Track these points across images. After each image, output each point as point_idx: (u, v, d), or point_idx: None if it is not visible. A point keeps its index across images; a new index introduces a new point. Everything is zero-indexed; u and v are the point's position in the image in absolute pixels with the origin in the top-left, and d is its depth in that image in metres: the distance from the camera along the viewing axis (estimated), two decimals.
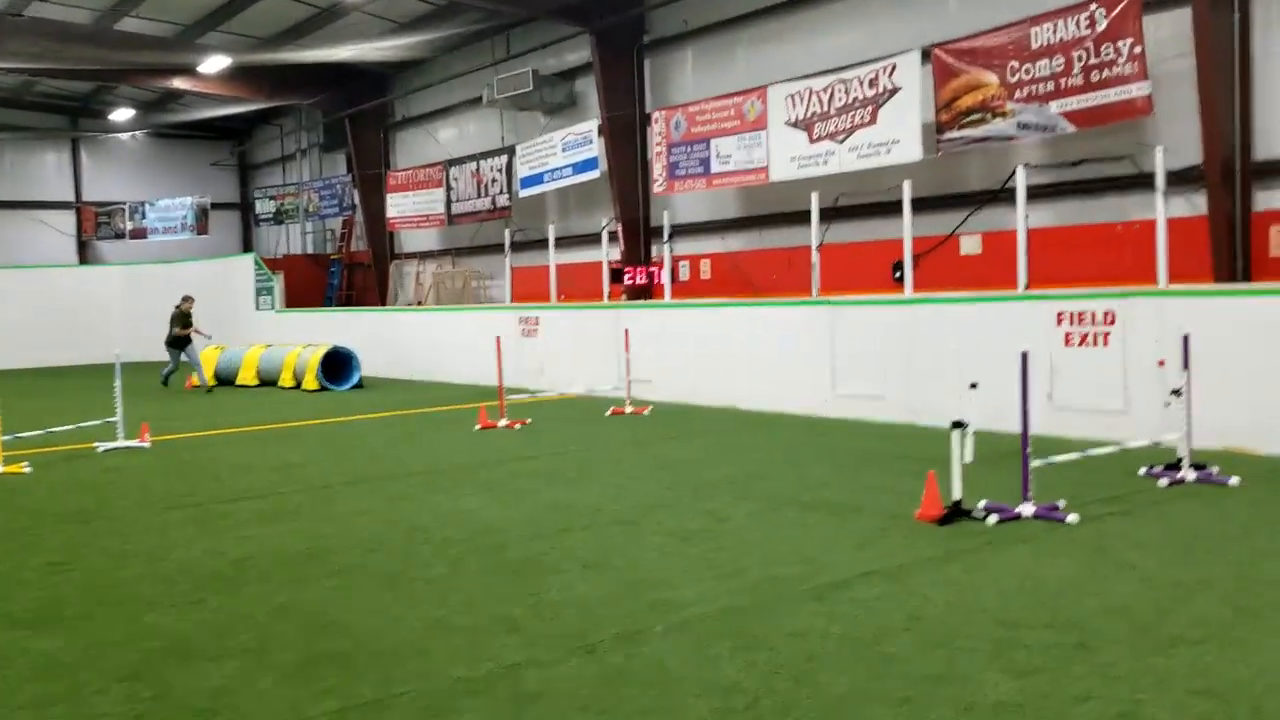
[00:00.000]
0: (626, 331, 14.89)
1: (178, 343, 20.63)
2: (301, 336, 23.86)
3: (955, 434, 7.60)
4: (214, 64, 24.85)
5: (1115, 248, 13.32)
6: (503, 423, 13.59)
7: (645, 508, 8.35)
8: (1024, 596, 5.73)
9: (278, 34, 25.22)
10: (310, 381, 20.03)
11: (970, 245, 15.43)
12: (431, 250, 27.88)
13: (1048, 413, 11.31)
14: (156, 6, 23.63)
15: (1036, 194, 14.56)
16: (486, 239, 24.91)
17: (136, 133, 34.41)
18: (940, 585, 5.99)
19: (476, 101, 24.10)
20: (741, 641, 5.16)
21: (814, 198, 14.56)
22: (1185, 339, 8.65)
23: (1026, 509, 7.55)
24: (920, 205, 15.69)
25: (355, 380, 20.28)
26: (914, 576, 6.18)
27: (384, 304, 28.55)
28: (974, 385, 7.72)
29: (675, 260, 20.24)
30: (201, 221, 32.62)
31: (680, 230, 20.32)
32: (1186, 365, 8.64)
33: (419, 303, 27.40)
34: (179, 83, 26.54)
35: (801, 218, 16.79)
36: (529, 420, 13.94)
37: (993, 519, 7.39)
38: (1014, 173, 12.57)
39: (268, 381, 21.38)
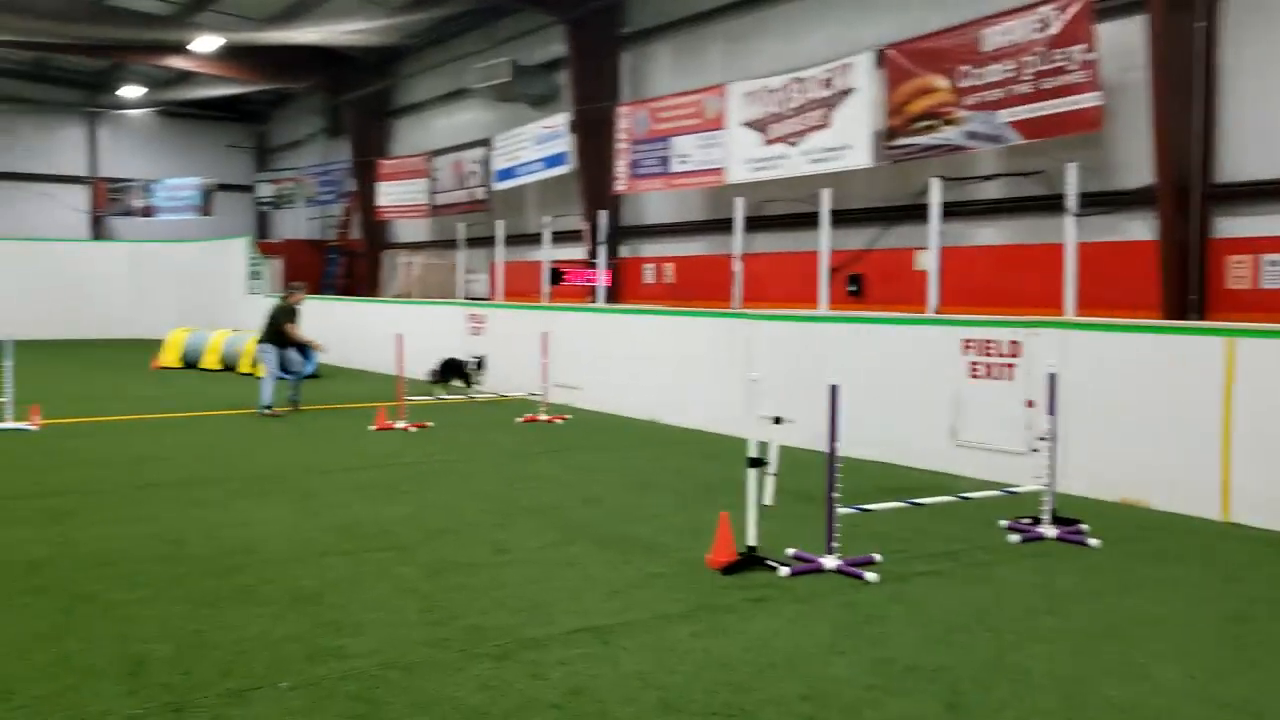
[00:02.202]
0: (545, 335, 14.17)
1: (277, 339, 14.99)
2: None
3: (752, 473, 6.78)
4: (205, 43, 24.59)
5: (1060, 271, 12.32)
6: (400, 424, 12.96)
7: (436, 533, 7.66)
8: (724, 673, 4.93)
9: (272, 16, 24.88)
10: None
11: (924, 260, 14.45)
12: (421, 241, 27.39)
13: (949, 450, 10.43)
14: None
15: (989, 210, 13.70)
16: (472, 232, 24.32)
17: (151, 110, 34.39)
18: (646, 651, 5.21)
19: (465, 92, 23.57)
20: (354, 711, 4.45)
21: (738, 204, 13.72)
22: (1051, 378, 7.73)
23: (829, 562, 6.71)
24: (875, 216, 14.88)
25: (309, 370, 19.78)
26: (630, 637, 5.41)
27: (374, 294, 28.10)
28: (778, 420, 6.88)
29: (641, 262, 19.51)
30: (207, 202, 32.46)
31: (647, 231, 19.58)
32: (1053, 409, 7.72)
33: (407, 294, 26.91)
34: (175, 62, 26.35)
35: (759, 223, 16.01)
36: (430, 423, 13.28)
37: (784, 571, 6.57)
38: (927, 186, 11.60)
39: (229, 367, 21.03)
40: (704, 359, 13.28)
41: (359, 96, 27.55)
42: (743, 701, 4.60)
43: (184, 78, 30.53)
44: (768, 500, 6.80)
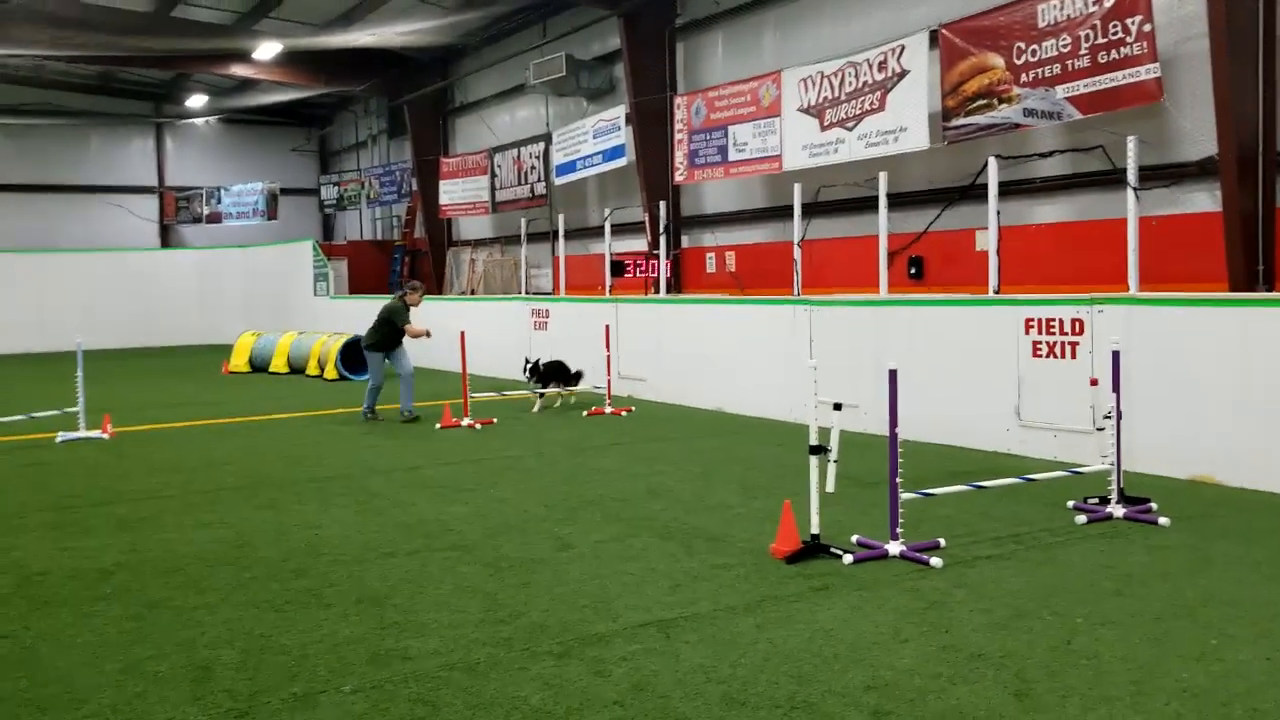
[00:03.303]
0: (607, 328, 14.20)
1: (390, 344, 14.00)
2: (350, 323, 23.75)
3: (813, 460, 6.74)
4: (267, 50, 24.96)
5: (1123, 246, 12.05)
6: (466, 422, 13.09)
7: (500, 529, 7.72)
8: (787, 664, 4.91)
9: (329, 19, 25.20)
10: (330, 371, 19.91)
11: (985, 241, 14.22)
12: (484, 238, 27.61)
13: (1015, 431, 10.28)
14: None
15: (1048, 187, 13.50)
16: (534, 227, 24.46)
17: (214, 119, 35.06)
18: (709, 644, 5.20)
19: (523, 88, 23.69)
20: (415, 714, 4.50)
21: (796, 189, 13.61)
22: (1115, 355, 7.58)
23: (894, 548, 6.66)
24: (934, 198, 14.70)
25: None
26: (693, 631, 5.41)
27: (440, 292, 28.37)
28: (838, 406, 6.83)
29: (702, 252, 19.47)
30: (271, 207, 33.03)
31: (707, 221, 19.54)
32: (1116, 386, 7.57)
33: (471, 291, 27.15)
34: (238, 69, 26.78)
35: (818, 209, 15.87)
36: (494, 420, 13.40)
37: (848, 559, 6.53)
38: (985, 167, 11.40)
39: (297, 369, 21.38)
40: (766, 346, 13.23)
41: (418, 96, 27.84)
42: (806, 693, 4.58)
43: (246, 85, 31.05)
44: (830, 487, 6.77)
